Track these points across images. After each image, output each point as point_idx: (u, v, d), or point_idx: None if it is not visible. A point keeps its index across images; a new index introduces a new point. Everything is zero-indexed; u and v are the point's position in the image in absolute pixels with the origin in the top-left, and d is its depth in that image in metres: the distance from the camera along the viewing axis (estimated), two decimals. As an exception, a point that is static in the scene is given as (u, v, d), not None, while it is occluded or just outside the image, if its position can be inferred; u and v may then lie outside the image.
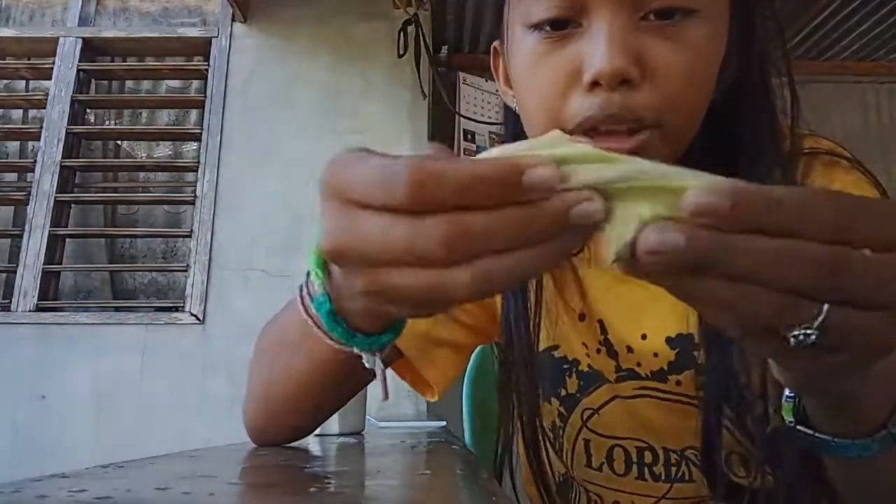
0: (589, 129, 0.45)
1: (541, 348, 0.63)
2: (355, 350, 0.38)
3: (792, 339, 0.26)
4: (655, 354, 0.57)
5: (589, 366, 0.61)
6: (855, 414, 0.37)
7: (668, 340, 0.56)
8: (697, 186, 0.25)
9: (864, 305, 0.25)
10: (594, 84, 0.44)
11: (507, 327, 0.62)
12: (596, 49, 0.44)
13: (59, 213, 2.33)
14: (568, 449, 0.63)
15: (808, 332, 0.25)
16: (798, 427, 0.40)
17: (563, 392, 0.62)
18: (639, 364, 0.58)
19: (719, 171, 0.26)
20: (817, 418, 0.39)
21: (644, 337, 0.58)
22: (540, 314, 0.62)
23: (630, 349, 0.58)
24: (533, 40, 0.47)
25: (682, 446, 0.58)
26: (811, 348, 0.26)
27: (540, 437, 0.63)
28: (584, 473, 0.63)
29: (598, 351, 0.60)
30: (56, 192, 2.30)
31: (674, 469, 0.58)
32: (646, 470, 0.59)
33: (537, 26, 0.47)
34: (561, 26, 0.46)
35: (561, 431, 0.63)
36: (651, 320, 0.57)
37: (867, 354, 0.28)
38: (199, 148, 2.39)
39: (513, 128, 0.58)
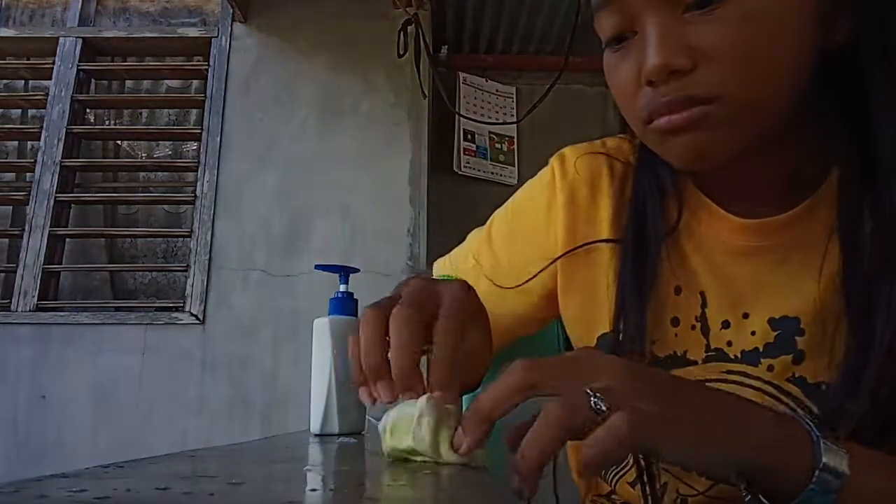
0: (658, 115, 0.49)
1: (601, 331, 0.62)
2: None
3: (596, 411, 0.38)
4: (753, 333, 0.56)
5: (651, 353, 0.60)
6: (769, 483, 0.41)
7: (771, 321, 0.56)
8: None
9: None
10: (650, 82, 0.48)
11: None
12: (645, 52, 0.48)
13: (59, 213, 2.33)
14: None
15: (596, 400, 0.38)
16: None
17: None
18: (729, 343, 0.57)
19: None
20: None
21: (746, 315, 0.57)
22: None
23: (727, 324, 0.57)
24: (608, 54, 0.53)
25: None
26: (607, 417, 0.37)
27: None
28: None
29: (693, 327, 0.58)
30: (56, 192, 2.31)
31: None
32: None
33: (608, 43, 0.52)
34: (621, 39, 0.51)
35: None
36: (757, 299, 0.56)
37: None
38: (199, 148, 2.39)
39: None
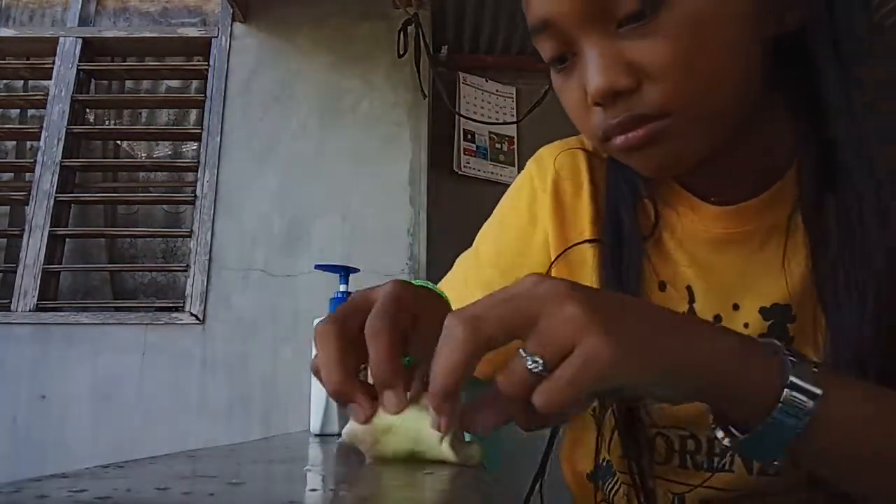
0: (613, 135, 0.48)
1: None
2: None
3: (532, 371, 0.35)
4: (746, 325, 0.55)
5: None
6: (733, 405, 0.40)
7: (763, 311, 0.55)
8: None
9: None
10: (597, 103, 0.47)
11: None
12: (586, 75, 0.47)
13: (59, 213, 2.32)
14: (607, 435, 0.62)
15: (532, 363, 0.35)
16: (719, 432, 0.42)
17: None
18: None
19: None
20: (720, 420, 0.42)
21: (736, 307, 0.56)
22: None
23: (718, 318, 0.56)
24: (554, 74, 0.52)
25: None
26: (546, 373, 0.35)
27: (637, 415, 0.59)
28: (620, 464, 0.62)
29: None
30: (56, 192, 2.30)
31: (717, 458, 0.56)
32: (688, 458, 0.58)
33: (551, 65, 0.51)
34: (563, 60, 0.50)
35: (601, 416, 0.62)
36: (746, 289, 0.56)
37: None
38: (199, 148, 2.39)
39: None
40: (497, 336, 0.36)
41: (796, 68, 0.50)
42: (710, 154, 0.49)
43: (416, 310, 0.46)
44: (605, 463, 0.65)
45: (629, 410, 0.57)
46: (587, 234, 0.62)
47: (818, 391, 0.38)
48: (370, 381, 0.42)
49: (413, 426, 0.39)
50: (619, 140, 0.48)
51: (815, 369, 0.39)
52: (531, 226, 0.67)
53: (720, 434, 0.42)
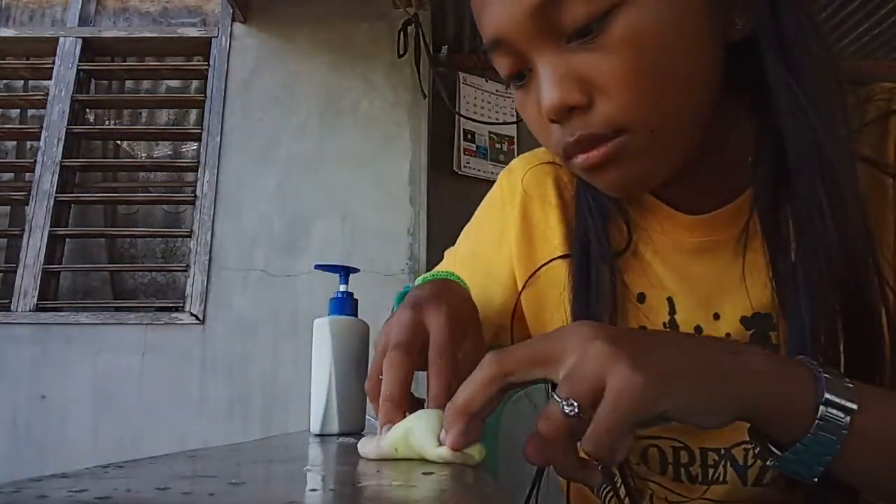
0: (573, 153, 0.48)
1: None
2: None
3: (568, 415, 0.36)
4: (728, 335, 0.55)
5: None
6: (773, 426, 0.40)
7: (744, 320, 0.54)
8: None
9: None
10: (552, 120, 0.47)
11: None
12: (540, 92, 0.47)
13: (59, 213, 2.33)
14: None
15: (568, 407, 0.36)
16: (760, 451, 0.42)
17: None
18: None
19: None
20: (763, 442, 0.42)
21: (717, 317, 0.55)
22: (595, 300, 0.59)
23: (699, 329, 0.56)
24: (514, 90, 0.52)
25: (732, 443, 0.55)
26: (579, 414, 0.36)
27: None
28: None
29: None
30: (56, 192, 2.31)
31: (711, 470, 0.56)
32: (682, 471, 0.57)
33: (509, 81, 0.51)
34: (520, 77, 0.50)
35: None
36: (727, 299, 0.55)
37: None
38: (199, 148, 2.39)
39: None
40: (520, 370, 0.39)
41: (752, 73, 0.49)
42: (676, 169, 0.49)
43: (466, 337, 0.50)
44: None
45: None
46: (559, 252, 0.62)
47: (853, 406, 0.38)
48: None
49: (418, 433, 0.41)
50: (579, 159, 0.47)
51: (849, 384, 0.39)
52: (498, 245, 0.68)
53: (759, 451, 0.42)
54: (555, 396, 0.36)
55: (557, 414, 0.36)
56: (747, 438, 0.53)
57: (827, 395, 0.38)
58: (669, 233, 0.57)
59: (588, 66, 0.44)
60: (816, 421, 0.38)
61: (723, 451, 0.56)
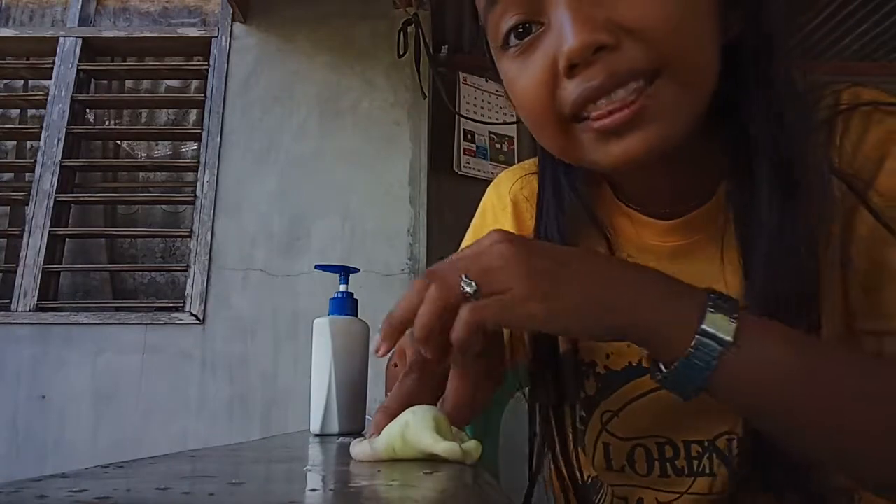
0: (586, 110, 0.45)
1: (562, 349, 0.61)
2: None
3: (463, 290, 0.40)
4: None
5: (606, 367, 0.60)
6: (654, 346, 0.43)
7: None
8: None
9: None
10: (572, 67, 0.43)
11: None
12: (561, 33, 0.43)
13: (59, 212, 2.33)
14: (590, 452, 0.63)
15: (465, 284, 0.40)
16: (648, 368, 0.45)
17: (583, 394, 0.62)
18: None
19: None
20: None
21: None
22: None
23: None
24: (508, 59, 0.48)
25: (714, 434, 0.56)
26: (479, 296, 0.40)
27: (568, 438, 0.61)
28: (606, 476, 0.63)
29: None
30: (56, 192, 2.31)
31: (695, 462, 0.57)
32: (668, 466, 0.58)
33: (506, 42, 0.47)
34: (525, 32, 0.46)
35: (582, 435, 0.63)
36: None
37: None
38: (199, 147, 2.39)
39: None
40: (449, 273, 0.42)
41: (733, 76, 0.48)
42: (682, 141, 0.47)
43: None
44: (590, 479, 0.65)
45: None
46: None
47: (728, 338, 0.40)
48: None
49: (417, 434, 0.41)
50: (598, 123, 0.44)
51: (734, 319, 0.41)
52: None
53: (650, 368, 0.45)
54: (462, 274, 0.41)
55: (455, 284, 0.41)
56: (728, 429, 0.55)
57: (703, 326, 0.41)
58: (648, 239, 0.58)
59: (616, 11, 0.42)
60: (689, 348, 0.41)
61: (706, 443, 0.57)
